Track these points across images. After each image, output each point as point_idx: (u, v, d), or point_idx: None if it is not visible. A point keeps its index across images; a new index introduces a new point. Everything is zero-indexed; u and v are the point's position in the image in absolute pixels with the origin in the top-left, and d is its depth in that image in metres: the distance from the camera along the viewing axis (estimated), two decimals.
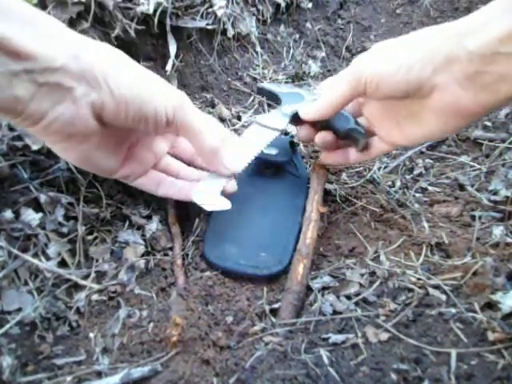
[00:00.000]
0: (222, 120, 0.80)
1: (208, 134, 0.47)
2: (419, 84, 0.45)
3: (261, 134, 0.56)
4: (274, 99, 0.61)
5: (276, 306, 0.48)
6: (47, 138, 0.42)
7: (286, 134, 0.80)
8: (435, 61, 0.44)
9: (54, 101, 0.37)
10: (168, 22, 0.75)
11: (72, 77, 0.37)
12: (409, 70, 0.45)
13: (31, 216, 0.50)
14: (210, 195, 0.50)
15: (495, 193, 0.62)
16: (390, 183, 0.67)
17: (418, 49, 0.45)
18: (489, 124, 0.78)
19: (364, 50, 0.99)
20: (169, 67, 0.77)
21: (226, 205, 0.49)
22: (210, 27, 0.81)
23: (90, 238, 0.53)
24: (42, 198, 0.51)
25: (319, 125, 0.56)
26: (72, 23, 0.65)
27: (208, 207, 0.49)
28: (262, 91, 0.64)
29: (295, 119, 0.56)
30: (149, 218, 0.58)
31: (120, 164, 0.48)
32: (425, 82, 0.45)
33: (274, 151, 0.61)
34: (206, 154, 0.49)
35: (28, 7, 0.36)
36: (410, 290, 0.46)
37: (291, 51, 0.97)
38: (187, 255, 0.55)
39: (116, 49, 0.42)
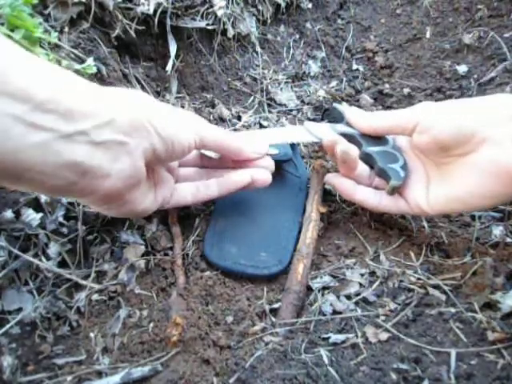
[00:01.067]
0: (222, 120, 0.80)
1: (231, 140, 0.50)
2: (472, 132, 0.43)
3: (299, 133, 0.57)
4: (336, 120, 0.59)
5: (276, 305, 0.48)
6: (105, 202, 0.41)
7: None
8: (495, 114, 0.43)
9: (113, 157, 0.37)
10: (168, 22, 0.76)
11: (123, 130, 0.37)
12: (465, 115, 0.44)
13: (31, 216, 0.50)
14: None
15: None
16: None
17: (477, 102, 0.46)
18: None
19: (364, 50, 0.99)
20: (169, 67, 0.77)
21: None
22: (210, 27, 0.81)
23: (90, 237, 0.53)
24: (43, 197, 0.51)
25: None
26: (72, 23, 0.65)
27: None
28: (332, 112, 0.61)
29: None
30: (149, 218, 0.58)
31: (154, 195, 0.48)
32: (478, 131, 0.43)
33: (274, 151, 0.61)
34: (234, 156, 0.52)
35: (61, 71, 0.36)
36: (410, 290, 0.46)
37: (291, 51, 0.97)
38: (187, 255, 0.55)
39: (141, 93, 0.44)
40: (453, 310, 0.43)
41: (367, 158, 0.54)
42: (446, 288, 0.45)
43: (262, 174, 0.52)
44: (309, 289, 0.50)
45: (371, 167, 0.55)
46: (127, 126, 0.38)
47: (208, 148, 0.50)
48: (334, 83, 0.92)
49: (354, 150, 0.52)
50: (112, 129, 0.37)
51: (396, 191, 0.52)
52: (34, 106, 0.31)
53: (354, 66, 0.96)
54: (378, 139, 0.54)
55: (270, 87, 0.88)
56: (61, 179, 0.35)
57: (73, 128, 0.34)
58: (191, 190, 0.52)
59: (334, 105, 0.60)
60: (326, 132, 0.56)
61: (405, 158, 0.52)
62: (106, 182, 0.38)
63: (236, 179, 0.51)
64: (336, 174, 0.56)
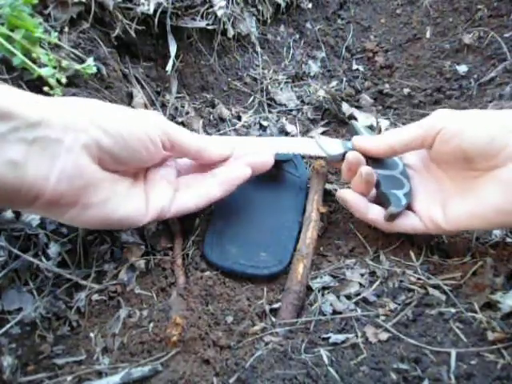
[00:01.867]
0: (222, 120, 0.80)
1: (209, 147, 0.50)
2: (504, 144, 0.41)
3: (308, 145, 0.58)
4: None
5: (276, 305, 0.48)
6: (58, 208, 0.39)
7: (287, 134, 0.80)
8: None
9: (50, 157, 0.36)
10: (168, 22, 0.76)
11: (56, 128, 0.37)
12: (498, 126, 0.42)
13: (32, 216, 0.50)
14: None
15: None
16: None
17: (509, 114, 0.44)
18: None
19: (364, 50, 0.99)
20: (169, 67, 0.77)
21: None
22: (210, 27, 0.81)
23: (90, 238, 0.53)
24: None
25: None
26: (72, 23, 0.65)
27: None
28: (350, 128, 0.60)
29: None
30: None
31: (144, 203, 0.46)
32: (510, 144, 0.41)
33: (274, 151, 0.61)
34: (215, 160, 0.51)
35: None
36: (410, 290, 0.46)
37: (291, 51, 0.97)
38: (187, 255, 0.55)
39: (89, 99, 0.43)
40: (453, 310, 0.43)
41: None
42: (445, 288, 0.45)
43: (261, 159, 0.51)
44: (309, 289, 0.50)
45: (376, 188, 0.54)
46: (61, 124, 0.37)
47: (177, 148, 0.48)
48: (334, 83, 0.92)
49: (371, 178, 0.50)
50: (45, 126, 0.36)
51: (394, 218, 0.50)
52: None
53: (354, 66, 0.96)
54: (387, 162, 0.53)
55: (270, 87, 0.88)
56: (1, 185, 0.34)
57: (5, 127, 0.33)
58: (192, 196, 0.50)
59: (352, 122, 0.60)
60: (336, 148, 0.55)
61: (411, 185, 0.51)
62: (49, 184, 0.36)
63: (236, 174, 0.50)
64: (349, 190, 0.54)
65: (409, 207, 0.51)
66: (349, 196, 0.53)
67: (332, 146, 0.56)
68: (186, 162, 0.54)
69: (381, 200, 0.53)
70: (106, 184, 0.41)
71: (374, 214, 0.52)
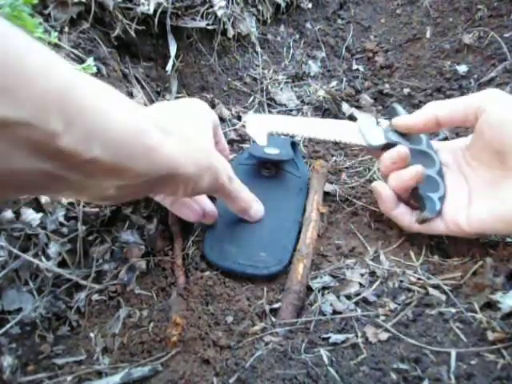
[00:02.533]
0: (222, 120, 0.80)
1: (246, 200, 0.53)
2: None
3: (349, 131, 0.55)
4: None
5: (276, 305, 0.48)
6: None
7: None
8: None
9: (206, 166, 0.41)
10: (168, 22, 0.76)
11: (208, 140, 0.46)
12: None
13: (32, 216, 0.50)
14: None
15: None
16: None
17: None
18: None
19: (364, 50, 0.99)
20: (169, 67, 0.77)
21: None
22: (210, 27, 0.81)
23: (90, 238, 0.53)
24: (43, 197, 0.51)
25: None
26: (72, 23, 0.65)
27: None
28: (390, 111, 0.58)
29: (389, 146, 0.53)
30: (149, 218, 0.58)
31: None
32: None
33: (275, 151, 0.61)
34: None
35: None
36: (410, 290, 0.46)
37: (291, 51, 0.97)
38: (187, 255, 0.55)
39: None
40: (453, 309, 0.43)
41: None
42: (445, 288, 0.45)
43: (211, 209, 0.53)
44: (309, 289, 0.50)
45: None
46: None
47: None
48: (334, 83, 0.92)
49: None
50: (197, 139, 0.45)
51: (426, 222, 0.50)
52: None
53: (354, 66, 0.96)
54: (425, 160, 0.51)
55: (270, 87, 0.88)
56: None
57: (174, 138, 0.37)
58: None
59: (394, 105, 0.57)
60: (377, 137, 0.53)
61: (446, 186, 0.51)
62: (197, 189, 0.42)
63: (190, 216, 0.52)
64: (385, 185, 0.53)
65: None
66: (383, 190, 0.52)
67: (374, 134, 0.54)
68: None
69: (413, 199, 0.52)
70: None
71: (398, 211, 0.52)
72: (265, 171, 0.62)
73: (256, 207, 0.54)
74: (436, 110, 0.49)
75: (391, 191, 0.52)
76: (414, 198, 0.52)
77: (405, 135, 0.53)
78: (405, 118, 0.52)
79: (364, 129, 0.54)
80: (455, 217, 0.48)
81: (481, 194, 0.47)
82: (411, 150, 0.51)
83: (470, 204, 0.47)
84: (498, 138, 0.44)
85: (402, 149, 0.50)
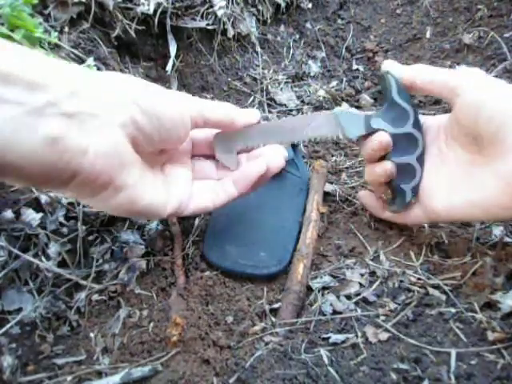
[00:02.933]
0: None
1: (240, 113, 0.48)
2: None
3: (325, 124, 0.51)
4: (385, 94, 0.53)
5: (276, 305, 0.48)
6: (92, 189, 0.37)
7: None
8: None
9: (87, 132, 0.34)
10: (168, 22, 0.76)
11: (94, 103, 0.35)
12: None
13: (32, 216, 0.50)
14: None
15: None
16: None
17: None
18: None
19: (364, 50, 0.99)
20: (169, 67, 0.77)
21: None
22: (210, 27, 0.81)
23: (90, 238, 0.53)
24: (43, 198, 0.51)
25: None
26: (72, 23, 0.65)
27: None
28: (382, 81, 0.53)
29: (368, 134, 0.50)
30: None
31: (166, 194, 0.44)
32: None
33: None
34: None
35: (15, 45, 0.33)
36: (410, 290, 0.46)
37: (291, 51, 0.97)
38: (187, 255, 0.55)
39: (116, 73, 0.42)
40: (453, 310, 0.43)
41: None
42: (446, 288, 0.45)
43: (275, 158, 0.49)
44: (309, 289, 0.50)
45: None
46: (99, 98, 0.35)
47: (209, 122, 0.47)
48: (334, 83, 0.92)
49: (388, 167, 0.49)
50: (83, 99, 0.34)
51: (397, 212, 0.52)
52: None
53: (354, 66, 0.96)
54: (410, 143, 0.50)
55: (270, 87, 0.88)
56: (38, 162, 0.32)
57: (42, 100, 0.31)
58: (210, 195, 0.48)
59: (386, 74, 0.51)
60: (356, 127, 0.50)
61: (423, 171, 0.50)
62: (86, 159, 0.34)
63: (252, 170, 0.48)
64: (368, 193, 0.57)
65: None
66: (367, 200, 0.57)
67: (353, 123, 0.50)
68: (203, 165, 0.52)
69: (392, 191, 0.53)
70: (137, 166, 0.40)
71: (389, 214, 0.55)
72: None
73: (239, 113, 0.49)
74: (418, 73, 0.49)
75: (374, 199, 0.55)
76: (389, 187, 0.53)
77: (390, 117, 0.50)
78: (398, 65, 0.51)
79: (342, 119, 0.51)
80: (433, 205, 0.48)
81: (458, 181, 0.46)
82: (395, 135, 0.49)
83: (447, 191, 0.47)
84: (473, 123, 0.43)
85: (383, 137, 0.49)
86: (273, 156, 0.50)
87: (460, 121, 0.45)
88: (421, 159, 0.50)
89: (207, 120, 0.46)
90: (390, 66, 0.50)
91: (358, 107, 0.84)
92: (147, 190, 0.41)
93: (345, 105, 0.83)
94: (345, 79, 0.93)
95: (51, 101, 0.32)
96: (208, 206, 0.48)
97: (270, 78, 0.90)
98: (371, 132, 0.50)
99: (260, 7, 0.91)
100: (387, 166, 0.49)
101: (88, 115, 0.34)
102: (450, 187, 0.47)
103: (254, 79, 0.89)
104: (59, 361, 0.44)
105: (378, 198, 0.55)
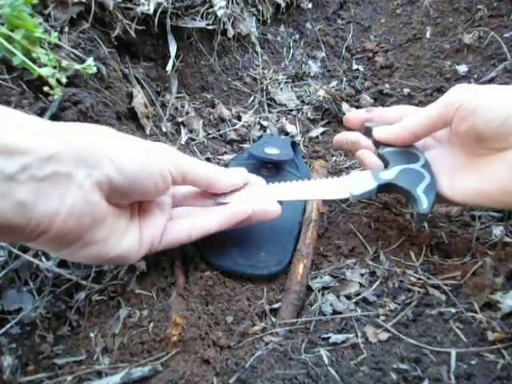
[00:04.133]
0: (222, 120, 0.80)
1: (221, 175, 0.48)
2: None
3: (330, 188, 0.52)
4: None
5: (276, 305, 0.48)
6: (59, 244, 0.37)
7: (286, 134, 0.80)
8: None
9: (60, 193, 0.34)
10: (168, 22, 0.76)
11: (67, 162, 0.34)
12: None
13: None
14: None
15: None
16: None
17: None
18: None
19: (364, 50, 0.99)
20: (169, 67, 0.77)
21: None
22: (210, 27, 0.81)
23: None
24: None
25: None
26: (72, 23, 0.65)
27: None
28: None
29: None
30: None
31: (138, 239, 0.43)
32: None
33: (275, 151, 0.61)
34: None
35: (5, 110, 0.33)
36: (410, 290, 0.46)
37: (291, 51, 0.97)
38: (187, 255, 0.55)
39: (99, 126, 0.41)
40: (453, 310, 0.43)
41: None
42: (445, 288, 0.45)
43: (265, 206, 0.49)
44: (309, 289, 0.50)
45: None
46: (73, 157, 0.35)
47: (188, 181, 0.46)
48: (334, 83, 0.93)
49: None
50: (56, 162, 0.33)
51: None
52: None
53: (354, 66, 0.97)
54: (407, 156, 0.51)
55: (270, 87, 0.88)
56: (6, 224, 0.32)
57: (16, 165, 0.31)
58: (187, 226, 0.47)
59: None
60: (365, 183, 0.50)
61: (432, 177, 0.49)
62: (56, 221, 0.34)
63: (236, 210, 0.47)
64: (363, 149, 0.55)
65: None
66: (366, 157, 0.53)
67: (360, 180, 0.51)
68: (184, 191, 0.52)
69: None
70: (109, 220, 0.39)
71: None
72: (265, 171, 0.62)
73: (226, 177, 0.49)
74: (415, 127, 0.49)
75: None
76: (408, 202, 0.52)
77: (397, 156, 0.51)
78: (387, 132, 0.52)
79: (351, 180, 0.52)
80: (441, 190, 0.48)
81: (465, 169, 0.48)
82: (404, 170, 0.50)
83: (454, 178, 0.48)
84: (473, 129, 0.45)
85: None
86: (264, 204, 0.49)
87: (460, 131, 0.47)
88: (427, 167, 0.50)
89: (185, 179, 0.45)
90: (384, 136, 0.52)
91: (358, 107, 0.84)
92: (118, 241, 0.41)
93: (345, 105, 0.83)
94: (345, 79, 0.93)
95: (25, 165, 0.31)
96: (182, 238, 0.47)
97: (270, 78, 0.90)
98: (382, 187, 0.51)
99: (260, 7, 0.91)
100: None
101: (63, 176, 0.34)
102: (455, 175, 0.48)
103: (254, 79, 0.89)
104: (59, 361, 0.44)
105: None
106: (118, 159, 0.38)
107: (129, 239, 0.42)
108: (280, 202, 0.51)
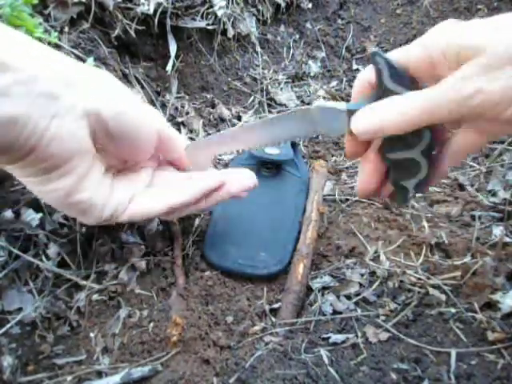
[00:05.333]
0: (222, 120, 0.80)
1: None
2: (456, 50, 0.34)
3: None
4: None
5: (276, 305, 0.48)
6: (38, 169, 0.36)
7: None
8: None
9: (49, 114, 0.33)
10: (168, 22, 0.76)
11: (60, 85, 0.34)
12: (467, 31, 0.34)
13: (31, 216, 0.50)
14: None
15: (493, 194, 0.62)
16: None
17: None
18: None
19: (364, 50, 0.99)
20: (169, 67, 0.77)
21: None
22: (210, 27, 0.81)
23: (90, 238, 0.53)
24: None
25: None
26: (72, 23, 0.65)
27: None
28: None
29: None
30: None
31: (108, 195, 0.41)
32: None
33: (275, 151, 0.61)
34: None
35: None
36: (410, 290, 0.46)
37: (291, 51, 0.97)
38: (187, 255, 0.55)
39: (91, 67, 0.41)
40: (453, 310, 0.43)
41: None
42: (446, 288, 0.45)
43: (239, 175, 0.45)
44: (309, 289, 0.50)
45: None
46: (66, 81, 0.34)
47: (164, 145, 0.44)
48: (334, 83, 0.93)
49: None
50: (48, 81, 0.33)
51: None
52: None
53: (354, 66, 0.97)
54: (407, 138, 0.39)
55: (269, 87, 0.88)
56: None
57: (9, 79, 0.31)
58: (150, 200, 0.43)
59: (375, 57, 0.40)
60: (340, 124, 0.40)
61: (429, 168, 0.40)
62: (43, 140, 0.33)
63: (206, 183, 0.43)
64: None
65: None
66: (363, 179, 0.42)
67: (333, 120, 0.41)
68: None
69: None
70: (88, 159, 0.38)
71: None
72: (265, 171, 0.62)
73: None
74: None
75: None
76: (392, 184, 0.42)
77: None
78: (363, 117, 0.38)
79: (319, 116, 0.42)
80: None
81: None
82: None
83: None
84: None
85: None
86: (237, 177, 0.46)
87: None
88: (425, 153, 0.40)
89: (166, 143, 0.44)
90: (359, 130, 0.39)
91: None
92: (89, 187, 0.39)
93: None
94: (345, 79, 0.93)
95: (18, 80, 0.31)
96: (144, 212, 0.42)
97: (270, 78, 0.90)
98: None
99: (260, 7, 0.91)
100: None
101: (53, 97, 0.33)
102: None
103: (254, 79, 0.89)
104: (59, 361, 0.44)
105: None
106: (109, 96, 0.37)
107: (98, 192, 0.40)
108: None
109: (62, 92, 0.34)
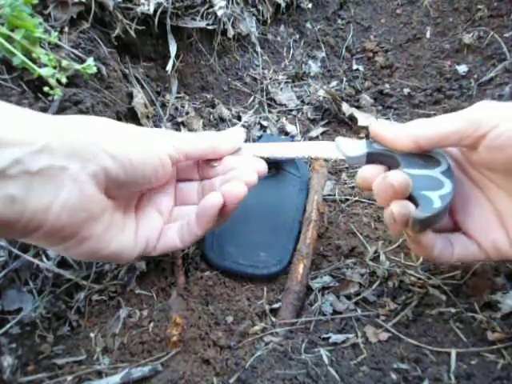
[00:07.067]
0: (222, 120, 0.80)
1: (219, 139, 0.47)
2: None
3: (326, 148, 0.48)
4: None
5: (276, 305, 0.48)
6: (54, 239, 0.36)
7: (286, 134, 0.80)
8: None
9: (53, 187, 0.33)
10: (168, 22, 0.76)
11: (62, 155, 0.33)
12: None
13: None
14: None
15: None
16: None
17: None
18: None
19: (364, 50, 0.99)
20: (169, 67, 0.77)
21: None
22: (210, 27, 0.81)
23: None
24: None
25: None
26: (72, 23, 0.65)
27: None
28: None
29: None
30: None
31: (134, 235, 0.42)
32: None
33: None
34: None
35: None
36: (410, 290, 0.46)
37: (291, 51, 0.97)
38: (187, 255, 0.55)
39: (92, 116, 0.40)
40: (453, 310, 0.43)
41: None
42: (446, 288, 0.45)
43: (233, 184, 0.44)
44: (309, 289, 0.50)
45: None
46: (67, 150, 0.34)
47: (191, 157, 0.45)
48: (334, 83, 0.92)
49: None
50: (49, 154, 0.32)
51: (425, 227, 0.37)
52: None
53: (354, 66, 0.96)
54: (426, 160, 0.41)
55: (269, 87, 0.88)
56: None
57: (7, 159, 0.30)
58: (176, 230, 0.45)
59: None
60: (356, 148, 0.45)
61: (454, 186, 0.39)
62: (50, 216, 0.33)
63: (206, 204, 0.43)
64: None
65: (457, 227, 0.41)
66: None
67: (353, 146, 0.46)
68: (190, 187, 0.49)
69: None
70: (106, 215, 0.38)
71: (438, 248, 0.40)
72: None
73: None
74: (419, 135, 0.40)
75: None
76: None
77: None
78: (384, 130, 0.42)
79: (342, 144, 0.47)
80: (496, 241, 0.39)
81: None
82: (404, 154, 0.41)
83: (504, 225, 0.39)
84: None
85: (397, 178, 0.36)
86: (232, 182, 0.45)
87: (491, 162, 0.38)
88: (448, 175, 0.40)
89: (189, 156, 0.44)
90: (379, 132, 0.43)
91: (358, 107, 0.84)
92: (113, 238, 0.39)
93: (345, 105, 0.83)
94: (345, 79, 0.93)
95: (17, 159, 0.31)
96: (177, 244, 0.44)
97: (270, 78, 0.90)
98: (373, 156, 0.44)
99: (260, 7, 0.91)
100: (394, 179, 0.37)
101: (56, 169, 0.33)
102: (506, 223, 0.39)
103: (254, 79, 0.89)
104: (59, 361, 0.44)
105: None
106: (112, 148, 0.37)
107: (124, 237, 0.41)
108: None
109: (66, 163, 0.34)
